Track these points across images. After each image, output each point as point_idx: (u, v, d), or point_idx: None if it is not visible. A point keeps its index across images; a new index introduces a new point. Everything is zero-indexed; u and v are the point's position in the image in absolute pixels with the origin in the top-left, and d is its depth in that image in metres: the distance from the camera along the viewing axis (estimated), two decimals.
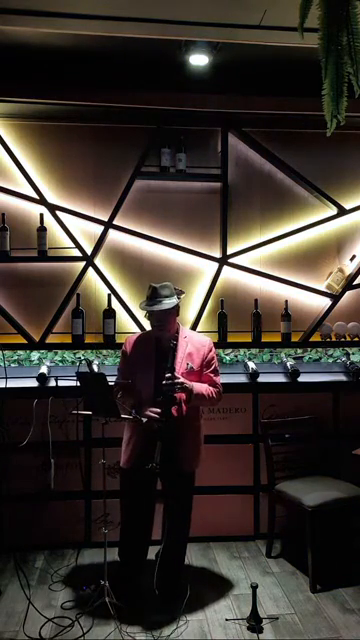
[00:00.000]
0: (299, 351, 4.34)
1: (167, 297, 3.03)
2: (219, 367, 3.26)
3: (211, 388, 3.09)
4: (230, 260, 4.14)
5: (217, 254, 4.14)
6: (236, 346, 4.21)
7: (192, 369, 3.08)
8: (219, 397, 3.13)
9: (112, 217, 4.02)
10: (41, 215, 3.92)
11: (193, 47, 3.42)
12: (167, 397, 2.93)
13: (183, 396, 3.00)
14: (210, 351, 3.17)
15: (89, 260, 4.01)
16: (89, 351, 4.10)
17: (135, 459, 3.06)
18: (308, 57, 2.31)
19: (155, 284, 3.07)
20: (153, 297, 3.03)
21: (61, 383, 3.36)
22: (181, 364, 3.07)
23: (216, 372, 3.17)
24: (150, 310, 3.04)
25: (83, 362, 3.87)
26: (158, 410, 2.93)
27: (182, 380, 2.96)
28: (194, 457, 3.14)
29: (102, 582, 2.96)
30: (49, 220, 3.96)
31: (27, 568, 3.56)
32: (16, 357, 4.10)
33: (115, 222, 4.03)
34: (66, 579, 3.45)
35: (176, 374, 2.96)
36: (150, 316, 3.10)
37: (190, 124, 4.04)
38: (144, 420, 2.94)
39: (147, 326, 3.33)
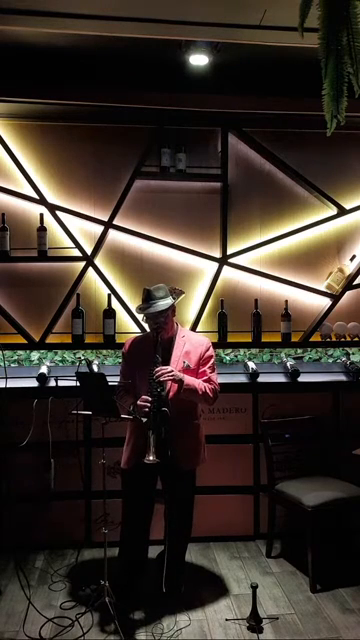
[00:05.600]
0: (299, 351, 4.34)
1: (162, 298, 3.06)
2: (217, 367, 3.25)
3: (205, 384, 3.07)
4: (230, 260, 4.14)
5: (217, 254, 4.14)
6: (236, 346, 4.21)
7: (188, 367, 3.08)
8: (215, 395, 3.11)
9: (112, 217, 4.02)
10: (41, 215, 3.92)
11: (193, 47, 3.42)
12: (155, 386, 2.94)
13: (175, 387, 3.00)
14: (207, 350, 3.17)
15: (89, 260, 4.01)
16: (89, 351, 4.10)
17: (135, 459, 3.06)
18: (308, 57, 2.31)
19: (149, 287, 3.09)
20: (148, 299, 3.06)
21: (61, 383, 3.36)
22: (178, 362, 3.08)
23: (213, 370, 3.17)
24: (145, 313, 3.06)
25: (83, 362, 3.87)
26: (148, 398, 2.94)
27: (171, 369, 2.97)
28: (192, 456, 3.14)
29: (102, 582, 2.96)
30: (49, 220, 3.96)
31: (27, 568, 3.56)
32: (16, 357, 4.10)
33: (115, 222, 4.03)
34: (66, 579, 3.45)
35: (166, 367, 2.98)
36: (148, 318, 3.12)
37: (190, 124, 4.04)
38: (144, 420, 2.94)
39: (147, 326, 3.34)
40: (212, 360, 3.18)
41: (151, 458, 2.85)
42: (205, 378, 3.11)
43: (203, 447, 3.22)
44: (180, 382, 2.97)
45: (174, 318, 3.19)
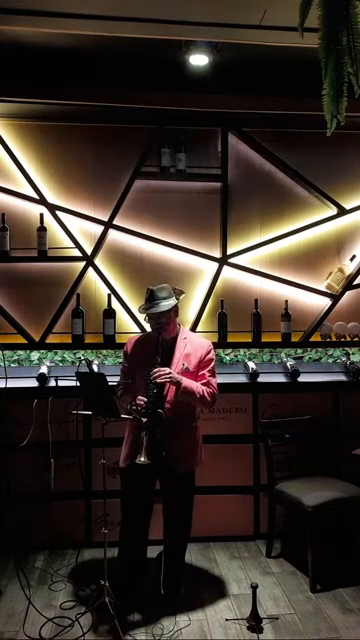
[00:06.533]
0: (299, 351, 4.34)
1: (165, 299, 3.05)
2: (217, 368, 3.24)
3: (203, 387, 3.06)
4: (230, 260, 4.14)
5: (217, 254, 4.14)
6: (236, 346, 4.21)
7: (188, 369, 3.07)
8: (212, 399, 3.08)
9: (112, 217, 4.02)
10: (41, 215, 3.92)
11: (193, 47, 3.42)
12: (152, 387, 2.94)
13: (173, 389, 3.00)
14: (208, 353, 3.15)
15: (89, 260, 4.01)
16: (89, 351, 4.10)
17: (132, 458, 3.05)
18: (308, 57, 2.31)
19: (152, 286, 3.09)
20: (151, 300, 3.05)
21: (61, 383, 3.36)
22: (177, 364, 3.07)
23: (212, 373, 3.14)
24: (148, 313, 3.05)
25: (83, 362, 3.86)
26: (144, 399, 2.94)
27: (169, 371, 2.96)
28: (189, 458, 3.13)
29: (102, 582, 2.96)
30: (49, 220, 3.96)
31: (27, 568, 3.56)
32: (16, 357, 4.10)
33: (115, 222, 4.03)
34: (66, 579, 3.45)
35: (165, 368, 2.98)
36: (150, 318, 3.11)
37: (190, 124, 4.04)
38: (144, 420, 2.95)
39: (147, 326, 3.34)
40: (212, 364, 3.16)
41: (142, 459, 2.84)
42: (204, 381, 3.09)
43: (200, 449, 3.21)
44: (178, 384, 2.97)
45: (177, 319, 3.19)
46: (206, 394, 3.05)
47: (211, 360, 3.16)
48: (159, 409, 2.96)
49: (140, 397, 2.96)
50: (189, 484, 3.20)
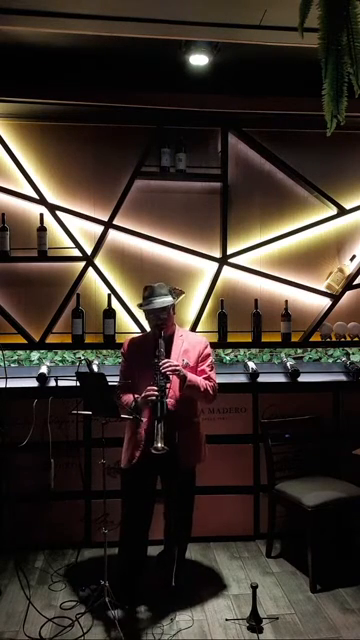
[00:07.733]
0: (299, 351, 4.34)
1: (165, 295, 3.09)
2: (217, 367, 3.26)
3: (206, 381, 3.10)
4: (230, 260, 4.14)
5: (217, 254, 4.14)
6: (236, 346, 4.21)
7: (188, 364, 3.10)
8: (214, 393, 3.12)
9: (112, 217, 4.02)
10: (41, 215, 3.92)
11: (193, 47, 3.42)
12: (160, 377, 2.93)
13: (176, 385, 3.01)
14: (206, 348, 3.20)
15: (89, 260, 4.01)
16: (89, 351, 4.10)
17: (135, 457, 3.05)
18: (308, 57, 2.31)
19: (151, 284, 3.11)
20: (151, 295, 3.07)
21: (61, 383, 3.36)
22: (177, 360, 3.08)
23: (211, 368, 3.19)
24: (150, 308, 3.05)
25: (83, 362, 3.86)
26: (155, 387, 2.93)
27: (176, 363, 2.98)
28: (193, 453, 3.14)
29: (102, 582, 2.96)
30: (49, 220, 3.96)
31: (27, 568, 3.56)
32: (16, 357, 4.10)
33: (115, 222, 4.03)
34: (66, 579, 3.45)
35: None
36: (149, 315, 3.12)
37: (190, 124, 4.04)
38: (144, 420, 2.95)
39: (147, 326, 3.34)
40: (210, 358, 3.21)
41: (159, 445, 2.81)
42: (205, 376, 3.13)
43: (204, 445, 3.23)
44: (184, 378, 2.98)
45: (174, 317, 3.20)
46: (209, 388, 3.09)
47: (209, 355, 3.21)
48: (166, 399, 2.96)
49: (150, 387, 2.95)
50: (191, 481, 3.21)
